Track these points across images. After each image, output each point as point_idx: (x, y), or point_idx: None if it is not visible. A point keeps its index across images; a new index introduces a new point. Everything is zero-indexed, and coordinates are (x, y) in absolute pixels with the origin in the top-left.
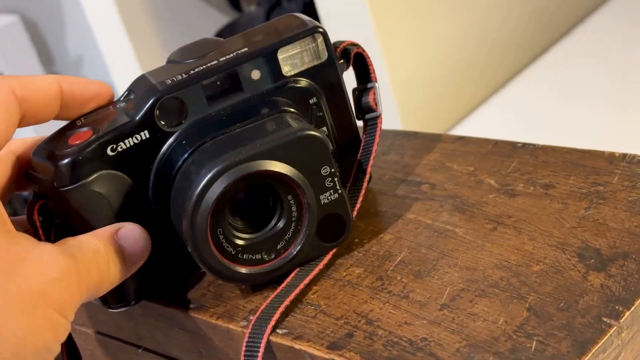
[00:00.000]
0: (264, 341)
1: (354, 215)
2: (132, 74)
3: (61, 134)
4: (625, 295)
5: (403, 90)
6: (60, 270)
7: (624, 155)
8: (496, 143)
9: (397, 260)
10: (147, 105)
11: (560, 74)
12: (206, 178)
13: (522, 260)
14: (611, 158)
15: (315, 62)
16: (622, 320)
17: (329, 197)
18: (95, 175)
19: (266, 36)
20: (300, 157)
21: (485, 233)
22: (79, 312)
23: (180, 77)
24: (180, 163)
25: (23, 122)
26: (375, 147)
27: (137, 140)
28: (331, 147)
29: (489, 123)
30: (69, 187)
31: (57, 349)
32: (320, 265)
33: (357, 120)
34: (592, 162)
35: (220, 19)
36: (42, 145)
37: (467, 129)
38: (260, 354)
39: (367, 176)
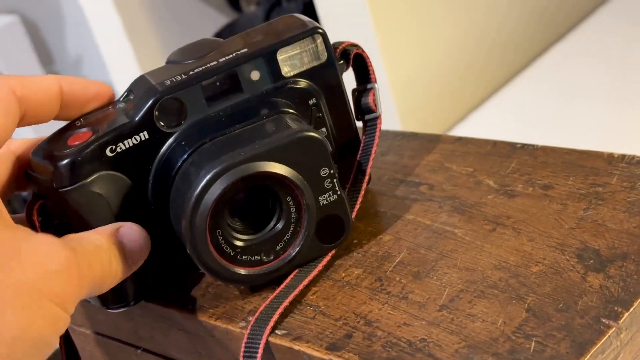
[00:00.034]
0: (262, 342)
1: (353, 216)
2: (132, 74)
3: (60, 135)
4: (624, 296)
5: (402, 90)
6: (58, 262)
7: (623, 156)
8: (495, 144)
9: (396, 261)
10: (147, 106)
11: (560, 74)
12: (205, 179)
13: (521, 261)
14: (610, 159)
15: (315, 63)
16: (621, 321)
17: (328, 199)
18: (94, 176)
19: (266, 37)
20: (300, 158)
21: (484, 234)
22: (78, 313)
23: (179, 77)
24: (179, 164)
25: (23, 121)
26: (374, 148)
27: (137, 141)
28: (330, 149)
29: (488, 123)
30: (68, 188)
31: (56, 343)
32: (320, 267)
33: (356, 121)
34: (591, 163)
35: (220, 19)
36: (41, 146)
37: (467, 129)
38: (259, 355)
39: (367, 177)
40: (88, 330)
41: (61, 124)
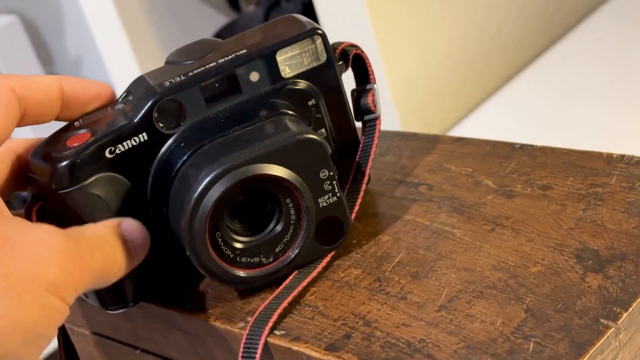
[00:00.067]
0: (261, 342)
1: (352, 218)
2: (131, 74)
3: (59, 136)
4: (622, 297)
5: (402, 90)
6: (52, 250)
7: (622, 156)
8: (494, 144)
9: (395, 261)
10: (146, 107)
11: (560, 74)
12: (205, 181)
13: (520, 262)
14: (609, 159)
15: (314, 64)
16: (620, 321)
17: (328, 200)
18: (93, 178)
19: (265, 37)
20: (299, 160)
21: (483, 234)
22: (77, 314)
23: (178, 78)
24: (178, 165)
25: (23, 121)
26: (374, 149)
27: (136, 142)
28: (330, 151)
29: (488, 123)
30: (67, 190)
31: (52, 334)
32: (319, 268)
33: (355, 122)
34: (590, 163)
35: (219, 19)
36: (40, 147)
37: (467, 129)
38: (257, 355)
39: (366, 178)
40: (87, 330)
41: (62, 124)
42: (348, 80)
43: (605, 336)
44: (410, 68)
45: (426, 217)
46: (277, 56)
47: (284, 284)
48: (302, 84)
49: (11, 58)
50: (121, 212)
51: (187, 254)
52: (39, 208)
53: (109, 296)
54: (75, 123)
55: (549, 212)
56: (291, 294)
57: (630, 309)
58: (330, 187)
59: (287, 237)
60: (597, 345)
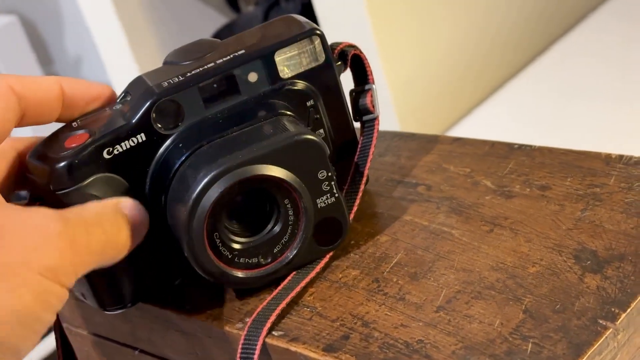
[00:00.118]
0: (259, 343)
1: (350, 218)
2: (130, 74)
3: (57, 137)
4: (621, 297)
5: (401, 91)
6: (47, 234)
7: (621, 156)
8: (493, 144)
9: (394, 262)
10: (144, 108)
11: (559, 74)
12: (203, 182)
13: (518, 262)
14: (608, 159)
15: (313, 64)
16: (618, 322)
17: (326, 201)
18: (91, 179)
19: (263, 38)
20: (297, 161)
21: (481, 235)
22: (75, 314)
23: (176, 79)
24: (177, 166)
25: (24, 121)
26: (372, 149)
27: (134, 143)
28: (328, 152)
29: (488, 123)
30: (66, 191)
31: (49, 318)
32: (317, 269)
33: (354, 122)
34: (589, 164)
35: (219, 19)
36: (38, 148)
37: (466, 129)
38: (255, 356)
39: (364, 178)
40: (85, 331)
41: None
42: (347, 81)
43: (604, 337)
44: (410, 68)
45: (424, 217)
46: (275, 56)
47: (282, 285)
48: (300, 85)
49: (10, 58)
50: None
51: (185, 254)
52: None
53: (107, 297)
54: (73, 123)
55: (548, 212)
56: (289, 295)
57: (629, 310)
58: (329, 187)
59: (285, 238)
60: (595, 346)
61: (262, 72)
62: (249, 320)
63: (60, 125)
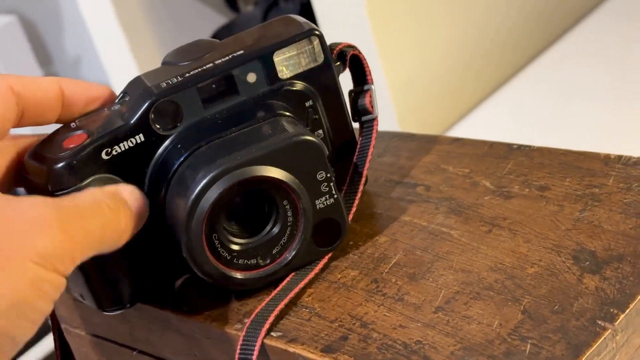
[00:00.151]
0: (258, 344)
1: (349, 219)
2: (130, 74)
3: (55, 137)
4: (620, 298)
5: (401, 91)
6: (40, 221)
7: (620, 157)
8: (492, 145)
9: (392, 262)
10: (142, 108)
11: (558, 74)
12: (202, 183)
13: (517, 263)
14: (606, 160)
15: (312, 65)
16: (617, 323)
17: (325, 202)
18: (90, 179)
19: (262, 38)
20: (296, 162)
21: (480, 235)
22: (73, 315)
23: (175, 79)
24: (175, 167)
25: (23, 121)
26: (371, 150)
27: (132, 143)
28: (327, 152)
29: (487, 123)
30: (64, 191)
31: (45, 307)
32: (316, 269)
33: (353, 123)
34: (588, 164)
35: (218, 19)
36: (36, 148)
37: (466, 129)
38: (254, 357)
39: (363, 179)
40: (83, 332)
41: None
42: (345, 81)
43: (602, 338)
44: (409, 68)
45: (423, 218)
46: (274, 57)
47: (280, 286)
48: (299, 85)
49: (10, 58)
50: None
51: (184, 255)
52: None
53: (106, 297)
54: (72, 124)
55: (546, 213)
56: (288, 296)
57: (627, 311)
58: (328, 188)
59: (284, 239)
60: (594, 347)
61: (260, 72)
62: (247, 321)
63: (59, 126)
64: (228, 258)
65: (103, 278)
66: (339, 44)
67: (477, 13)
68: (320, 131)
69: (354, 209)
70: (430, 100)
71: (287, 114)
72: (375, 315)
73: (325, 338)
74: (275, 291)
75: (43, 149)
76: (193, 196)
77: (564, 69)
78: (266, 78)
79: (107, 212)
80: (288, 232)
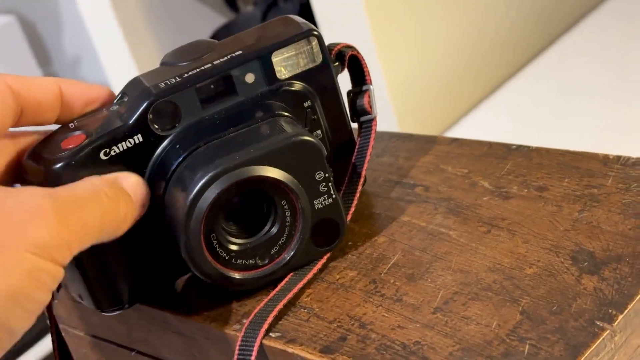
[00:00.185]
0: (256, 345)
1: (348, 219)
2: (129, 74)
3: (54, 138)
4: (618, 299)
5: (400, 91)
6: (36, 211)
7: (618, 157)
8: (490, 145)
9: (391, 263)
10: (141, 109)
11: (558, 75)
12: (200, 183)
13: (516, 263)
14: (605, 160)
15: (310, 65)
16: (615, 323)
17: (323, 202)
18: None
19: (260, 39)
20: (294, 162)
21: (479, 236)
22: (72, 315)
23: (174, 80)
24: (174, 167)
25: (22, 120)
26: (370, 150)
27: (131, 144)
28: (325, 152)
29: (487, 124)
30: None
31: (42, 297)
32: (315, 270)
33: (351, 123)
34: (586, 164)
35: (217, 19)
36: (34, 149)
37: (465, 129)
38: (252, 357)
39: (362, 179)
40: (82, 332)
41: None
42: (344, 82)
43: (601, 338)
44: (409, 68)
45: (422, 218)
46: (272, 57)
47: (279, 286)
48: (297, 85)
49: (9, 58)
50: None
51: (182, 255)
52: None
53: (104, 298)
54: (70, 125)
55: (545, 213)
56: (286, 296)
57: (626, 311)
58: (326, 189)
59: (282, 239)
60: (592, 348)
61: (259, 72)
62: (246, 321)
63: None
64: (226, 258)
65: (101, 278)
66: (338, 44)
67: (476, 13)
68: (319, 131)
69: (352, 209)
70: (430, 101)
71: (286, 114)
72: (373, 315)
73: (324, 339)
74: (274, 292)
75: (41, 149)
76: (191, 196)
77: (563, 69)
78: (265, 78)
79: (106, 202)
80: (286, 232)
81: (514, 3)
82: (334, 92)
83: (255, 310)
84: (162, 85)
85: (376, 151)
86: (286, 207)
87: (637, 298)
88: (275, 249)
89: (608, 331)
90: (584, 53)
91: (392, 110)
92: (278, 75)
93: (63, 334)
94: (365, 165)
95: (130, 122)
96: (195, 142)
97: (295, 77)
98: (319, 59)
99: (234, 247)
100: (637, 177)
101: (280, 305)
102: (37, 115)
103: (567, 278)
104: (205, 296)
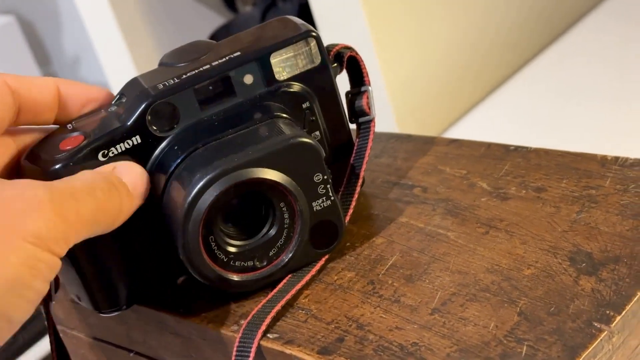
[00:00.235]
0: (254, 346)
1: (346, 220)
2: (128, 74)
3: (52, 139)
4: (616, 300)
5: (399, 92)
6: (33, 202)
7: (617, 158)
8: (489, 146)
9: (389, 264)
10: (139, 110)
11: (557, 75)
12: (198, 185)
13: (514, 264)
14: (603, 161)
15: (309, 66)
16: (613, 324)
17: (322, 204)
18: None
19: (259, 40)
20: (293, 164)
21: (477, 237)
22: (70, 317)
23: (172, 81)
24: (172, 169)
25: (20, 119)
26: (368, 151)
27: (129, 145)
28: (324, 154)
29: (486, 124)
30: None
31: (41, 287)
32: (313, 271)
33: (350, 124)
34: (585, 165)
35: (216, 19)
36: (32, 150)
37: (464, 130)
38: (250, 359)
39: (360, 180)
40: (80, 333)
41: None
42: (342, 83)
43: (599, 339)
44: (408, 69)
45: (420, 219)
46: (271, 58)
47: (277, 288)
48: (296, 87)
49: (8, 58)
50: None
51: (181, 257)
52: None
53: (102, 299)
54: (68, 126)
55: (543, 214)
56: (285, 297)
57: (624, 312)
58: (324, 190)
59: (281, 241)
60: (590, 349)
61: (257, 74)
62: (244, 322)
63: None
64: (225, 260)
65: (100, 279)
66: (336, 45)
67: (476, 13)
68: (317, 133)
69: (350, 211)
70: (429, 101)
71: (284, 115)
72: (371, 317)
73: (322, 340)
74: (272, 293)
75: (39, 150)
76: (190, 198)
77: (562, 69)
78: (263, 79)
79: (100, 195)
80: (285, 234)
81: (514, 3)
82: (332, 93)
83: (253, 312)
84: (161, 86)
85: (374, 152)
86: (284, 209)
87: (635, 299)
88: (274, 250)
89: (606, 332)
90: (583, 53)
91: (391, 111)
92: (277, 76)
93: (61, 335)
94: (364, 166)
95: (129, 123)
96: (193, 143)
97: (294, 78)
98: (318, 60)
99: (232, 249)
100: (635, 178)
101: (278, 307)
102: (36, 115)
103: (565, 279)
104: (203, 297)
